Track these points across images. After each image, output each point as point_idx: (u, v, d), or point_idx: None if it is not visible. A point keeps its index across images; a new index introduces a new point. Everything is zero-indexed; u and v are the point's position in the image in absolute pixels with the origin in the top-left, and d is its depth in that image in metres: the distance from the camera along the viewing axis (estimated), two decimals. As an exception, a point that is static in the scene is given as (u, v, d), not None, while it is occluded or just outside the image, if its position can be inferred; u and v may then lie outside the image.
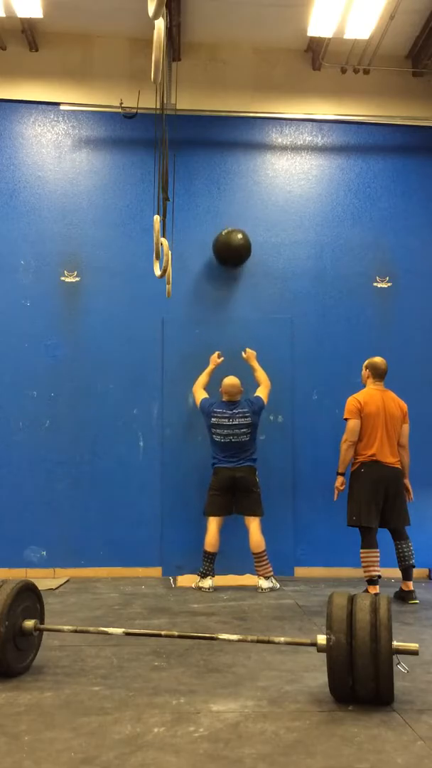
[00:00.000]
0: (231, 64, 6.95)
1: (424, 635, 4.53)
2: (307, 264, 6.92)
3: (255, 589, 5.89)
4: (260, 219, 6.94)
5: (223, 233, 6.60)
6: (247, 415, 6.04)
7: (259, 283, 6.85)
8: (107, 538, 6.51)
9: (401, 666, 3.29)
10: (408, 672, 3.38)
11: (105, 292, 6.74)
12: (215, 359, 6.38)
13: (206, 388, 6.31)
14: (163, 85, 6.01)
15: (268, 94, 6.98)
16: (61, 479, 6.54)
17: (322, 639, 3.26)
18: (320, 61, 6.77)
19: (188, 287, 6.71)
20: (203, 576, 5.92)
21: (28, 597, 3.70)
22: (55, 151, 6.88)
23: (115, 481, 6.57)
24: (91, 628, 3.94)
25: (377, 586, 5.44)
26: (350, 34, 6.24)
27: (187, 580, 6.15)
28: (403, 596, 5.55)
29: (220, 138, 6.98)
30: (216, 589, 5.88)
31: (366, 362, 5.89)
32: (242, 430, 6.00)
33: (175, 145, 6.01)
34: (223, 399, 6.15)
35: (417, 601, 5.49)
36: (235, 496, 6.02)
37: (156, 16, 3.06)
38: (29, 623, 3.61)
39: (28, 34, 6.56)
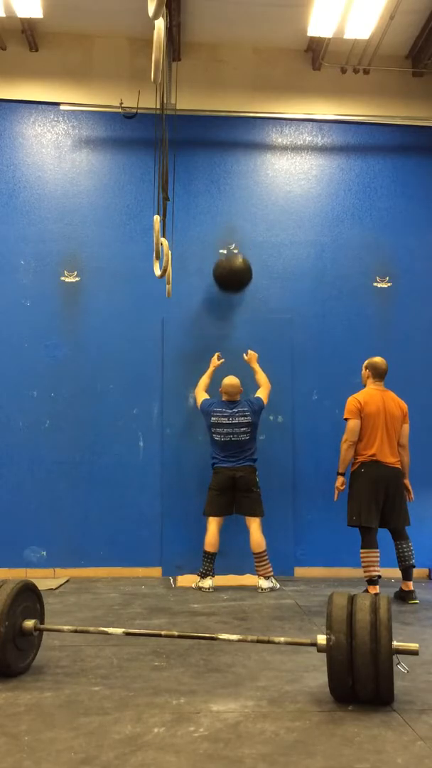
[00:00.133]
0: (231, 64, 6.95)
1: (424, 635, 4.53)
2: (307, 264, 6.92)
3: (255, 589, 5.89)
4: (260, 219, 6.95)
5: (223, 259, 6.55)
6: (247, 414, 6.04)
7: (259, 283, 6.85)
8: (107, 538, 6.51)
9: (401, 666, 3.28)
10: (408, 672, 3.37)
11: (105, 292, 6.74)
12: (215, 361, 6.38)
13: (207, 389, 6.31)
14: (163, 85, 6.02)
15: (268, 94, 6.98)
16: (61, 479, 6.54)
17: (322, 639, 3.26)
18: (320, 61, 6.77)
19: (188, 287, 6.71)
20: (203, 576, 5.92)
21: (28, 597, 3.70)
22: (55, 151, 6.88)
23: (115, 481, 6.57)
24: (91, 628, 3.93)
25: (377, 586, 5.44)
26: (350, 34, 6.24)
27: (187, 580, 6.15)
28: (403, 596, 5.55)
29: (220, 138, 6.98)
30: (216, 589, 5.88)
31: (366, 362, 5.89)
32: (242, 429, 6.00)
33: (175, 145, 6.01)
34: (223, 399, 6.15)
35: (417, 601, 5.49)
36: (235, 496, 6.02)
37: (156, 16, 3.07)
38: (29, 623, 3.61)
39: (28, 34, 6.56)
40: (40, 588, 3.84)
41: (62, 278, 6.74)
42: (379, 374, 5.81)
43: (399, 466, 5.67)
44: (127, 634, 3.82)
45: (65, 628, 3.86)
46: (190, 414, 6.60)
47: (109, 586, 6.05)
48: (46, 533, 6.47)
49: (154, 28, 3.41)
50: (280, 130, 7.06)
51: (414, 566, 5.63)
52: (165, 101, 5.97)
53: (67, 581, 6.20)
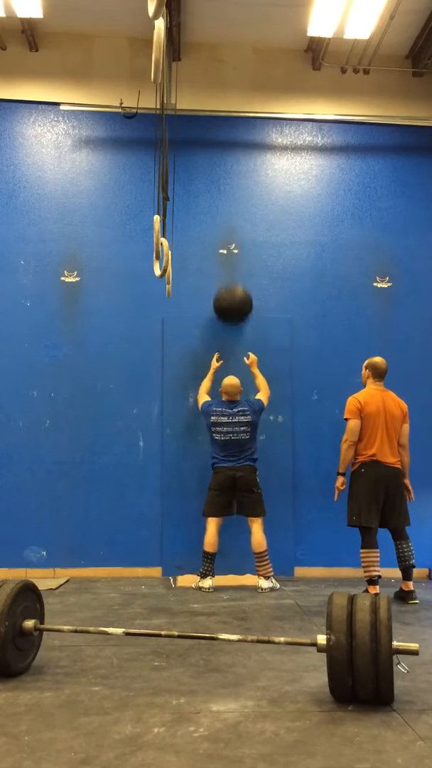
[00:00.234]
0: (231, 64, 6.95)
1: (424, 635, 4.52)
2: (307, 264, 6.92)
3: (255, 589, 5.89)
4: (260, 219, 6.95)
5: (224, 291, 6.50)
6: (247, 413, 6.04)
7: (259, 283, 6.85)
8: (107, 538, 6.51)
9: (401, 666, 3.28)
10: (408, 672, 3.37)
11: (105, 292, 6.74)
12: (214, 363, 6.38)
13: (209, 393, 6.31)
14: (163, 85, 6.02)
15: (268, 94, 6.98)
16: (61, 479, 6.54)
17: (322, 639, 3.26)
18: (320, 61, 6.77)
19: (188, 287, 6.71)
20: (203, 576, 5.92)
21: (28, 597, 3.70)
22: (55, 151, 6.88)
23: (115, 481, 6.57)
24: (91, 628, 3.93)
25: (377, 586, 5.44)
26: (350, 34, 6.24)
27: (187, 580, 6.14)
28: (403, 596, 5.55)
29: (220, 138, 6.98)
30: (216, 589, 5.88)
31: (366, 362, 5.89)
32: (242, 428, 6.00)
33: (175, 145, 6.01)
34: (223, 399, 6.15)
35: (417, 601, 5.49)
36: (235, 496, 6.02)
37: (156, 16, 3.06)
38: (29, 623, 3.61)
39: (28, 34, 6.57)
40: (40, 588, 3.84)
41: (62, 278, 6.74)
42: (379, 374, 5.81)
43: (399, 466, 5.67)
44: (127, 634, 3.82)
45: (65, 628, 3.86)
46: (190, 414, 6.60)
47: (109, 586, 6.04)
48: (46, 533, 6.47)
49: (154, 28, 3.41)
50: (280, 130, 7.06)
51: (414, 566, 5.63)
52: (165, 101, 5.97)
53: (67, 581, 6.20)
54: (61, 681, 3.55)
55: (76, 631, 3.84)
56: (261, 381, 6.28)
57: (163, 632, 3.88)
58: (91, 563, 6.48)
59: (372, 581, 5.47)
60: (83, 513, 6.53)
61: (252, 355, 6.38)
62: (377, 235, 6.98)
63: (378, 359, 5.86)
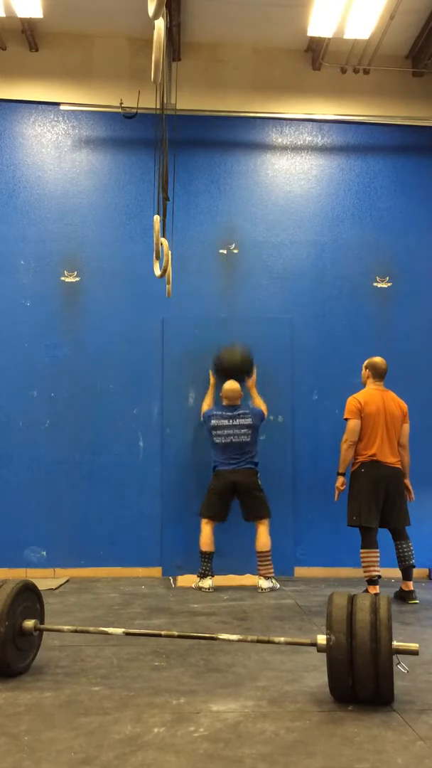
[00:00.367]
0: (231, 64, 6.95)
1: (424, 635, 4.53)
2: (307, 264, 6.92)
3: (255, 589, 5.89)
4: (260, 219, 6.95)
5: (225, 352, 6.37)
6: (247, 416, 6.05)
7: (259, 283, 6.86)
8: (107, 538, 6.51)
9: (401, 666, 3.28)
10: (408, 672, 3.37)
11: (105, 292, 6.74)
12: (212, 378, 6.38)
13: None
14: (163, 85, 6.01)
15: (268, 94, 6.98)
16: (61, 479, 6.54)
17: (322, 639, 3.26)
18: (320, 61, 6.77)
19: (188, 287, 6.71)
20: (202, 576, 5.92)
21: (28, 597, 3.70)
22: (55, 151, 6.88)
23: (115, 481, 6.57)
24: (91, 628, 3.93)
25: (377, 586, 5.44)
26: (350, 34, 6.24)
27: (187, 580, 6.14)
28: (403, 596, 5.55)
29: (220, 138, 6.98)
30: (216, 589, 5.88)
31: (366, 362, 5.89)
32: (243, 431, 6.00)
33: (175, 145, 6.00)
34: (224, 403, 6.16)
35: (417, 601, 5.49)
36: (237, 499, 6.02)
37: (156, 16, 3.06)
38: (29, 623, 3.61)
39: (28, 34, 6.56)
40: (40, 588, 3.84)
41: (62, 278, 6.74)
42: (379, 374, 5.81)
43: (399, 466, 5.67)
44: (127, 634, 3.82)
45: (65, 628, 3.86)
46: (190, 414, 6.60)
47: (109, 586, 6.05)
48: (46, 533, 6.47)
49: (154, 28, 3.41)
50: (280, 130, 7.06)
51: (414, 566, 5.63)
52: (165, 101, 5.97)
53: (67, 581, 6.20)
54: (61, 681, 3.55)
55: (76, 631, 3.84)
56: (259, 402, 6.26)
57: (163, 632, 3.88)
58: (91, 563, 6.48)
59: (372, 581, 5.47)
60: (83, 513, 6.53)
61: (253, 377, 6.32)
62: (377, 235, 6.98)
63: (378, 359, 5.86)
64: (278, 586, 5.95)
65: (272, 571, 5.96)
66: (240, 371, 6.30)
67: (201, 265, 6.81)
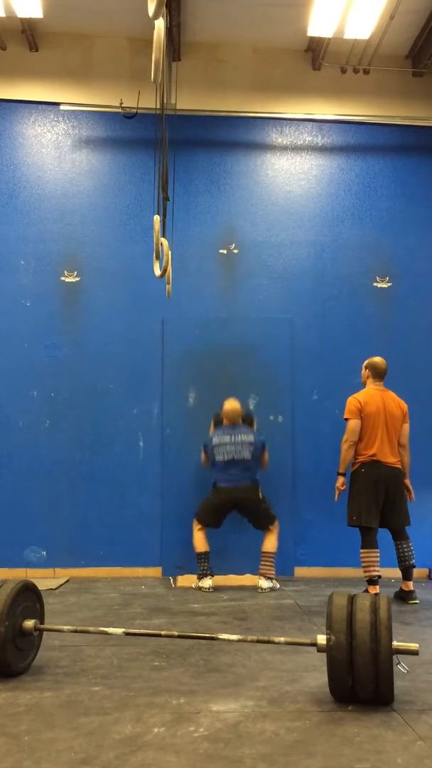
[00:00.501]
0: (231, 64, 6.95)
1: (424, 635, 4.52)
2: (307, 264, 6.92)
3: (255, 589, 5.89)
4: (260, 219, 6.95)
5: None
6: (249, 434, 6.06)
7: (259, 283, 6.86)
8: (107, 538, 6.51)
9: (401, 666, 3.28)
10: (408, 672, 3.37)
11: (105, 292, 6.75)
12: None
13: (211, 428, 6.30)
14: (163, 85, 6.01)
15: (268, 94, 6.98)
16: (61, 479, 6.54)
17: (322, 639, 3.26)
18: (320, 61, 6.77)
19: (188, 287, 6.71)
20: (202, 576, 5.92)
21: (28, 597, 3.70)
22: (55, 151, 6.88)
23: (115, 481, 6.57)
24: (91, 628, 3.93)
25: (377, 586, 5.44)
26: (350, 34, 6.24)
27: (187, 580, 6.15)
28: (403, 596, 5.54)
29: (220, 138, 6.98)
30: (216, 589, 5.88)
31: (366, 362, 5.89)
32: (245, 447, 5.99)
33: (175, 145, 6.01)
34: (225, 423, 6.15)
35: (417, 601, 5.49)
36: (240, 514, 6.02)
37: (156, 16, 3.06)
38: (29, 623, 3.61)
39: (28, 34, 6.56)
40: (40, 588, 3.84)
41: (62, 278, 6.74)
42: (379, 374, 5.81)
43: (399, 466, 5.67)
44: (127, 634, 3.82)
45: (65, 628, 3.86)
46: (190, 414, 6.61)
47: (109, 586, 6.04)
48: (46, 533, 6.47)
49: (154, 28, 3.41)
50: (280, 130, 7.06)
51: (414, 566, 5.63)
52: (165, 101, 5.97)
53: (67, 581, 6.20)
54: (61, 681, 3.55)
55: (76, 631, 3.84)
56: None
57: (163, 632, 3.88)
58: (91, 563, 6.48)
59: (372, 581, 5.47)
60: (83, 513, 6.53)
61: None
62: (377, 235, 6.98)
63: (378, 359, 5.85)
64: (278, 586, 5.95)
65: (273, 572, 5.96)
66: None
67: (201, 265, 6.81)
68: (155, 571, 6.49)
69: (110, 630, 3.81)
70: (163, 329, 6.71)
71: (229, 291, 6.86)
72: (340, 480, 5.73)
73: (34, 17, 6.28)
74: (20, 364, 6.61)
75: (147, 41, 5.26)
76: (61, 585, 6.03)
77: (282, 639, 3.60)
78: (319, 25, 6.11)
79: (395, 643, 3.16)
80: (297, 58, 7.01)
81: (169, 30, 6.14)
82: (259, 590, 5.84)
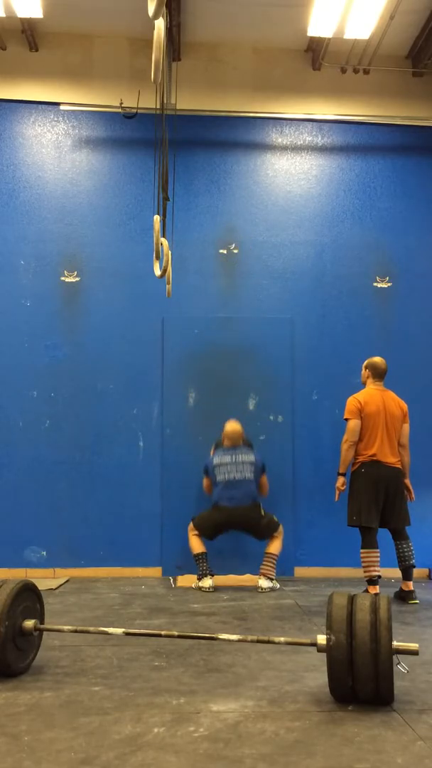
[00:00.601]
0: (231, 64, 6.95)
1: (424, 635, 4.52)
2: (307, 264, 6.92)
3: (255, 589, 5.89)
4: (260, 219, 6.95)
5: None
6: (250, 454, 6.05)
7: (259, 283, 6.86)
8: (107, 538, 6.51)
9: (401, 666, 3.28)
10: (408, 672, 3.37)
11: (105, 292, 6.75)
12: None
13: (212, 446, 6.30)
14: (163, 85, 6.01)
15: (268, 94, 6.98)
16: (61, 479, 6.54)
17: (322, 639, 3.26)
18: (320, 61, 6.77)
19: (188, 287, 6.71)
20: (202, 576, 5.92)
21: (28, 597, 3.70)
22: (55, 151, 6.88)
23: (115, 481, 6.57)
24: (91, 628, 3.93)
25: (377, 586, 5.44)
26: (350, 34, 6.24)
27: (187, 580, 6.15)
28: (403, 596, 5.55)
29: (220, 138, 6.98)
30: (216, 589, 5.88)
31: (366, 362, 5.89)
32: (245, 467, 5.98)
33: (175, 145, 6.01)
34: (225, 444, 6.14)
35: (417, 601, 5.49)
36: (240, 531, 6.00)
37: (156, 16, 3.06)
38: (29, 623, 3.61)
39: (28, 34, 6.56)
40: (40, 588, 3.84)
41: (62, 278, 6.74)
42: (379, 374, 5.81)
43: (399, 466, 5.67)
44: (127, 634, 3.81)
45: (65, 628, 3.86)
46: (190, 414, 6.61)
47: (109, 586, 6.05)
48: (46, 533, 6.47)
49: (154, 28, 3.41)
50: (280, 130, 7.06)
51: (414, 566, 5.63)
52: (165, 101, 5.97)
53: (67, 581, 6.20)
54: (61, 681, 3.55)
55: (76, 631, 3.84)
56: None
57: (163, 632, 3.88)
58: (91, 563, 6.48)
59: (372, 581, 5.47)
60: (83, 513, 6.53)
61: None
62: (377, 235, 6.98)
63: (378, 359, 5.85)
64: (278, 586, 5.95)
65: (274, 573, 5.96)
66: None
67: (201, 265, 6.82)
68: (155, 571, 6.49)
69: (110, 630, 3.81)
70: (163, 329, 6.71)
71: (229, 291, 6.86)
72: (340, 480, 5.73)
73: (34, 17, 6.28)
74: (20, 364, 6.61)
75: (147, 41, 5.26)
76: (61, 585, 6.03)
77: (282, 639, 3.60)
78: (319, 25, 6.11)
79: (395, 643, 3.16)
80: (297, 58, 7.01)
81: (169, 30, 6.14)
82: (259, 590, 5.84)
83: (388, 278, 6.94)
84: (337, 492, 5.74)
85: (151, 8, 3.03)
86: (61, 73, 6.81)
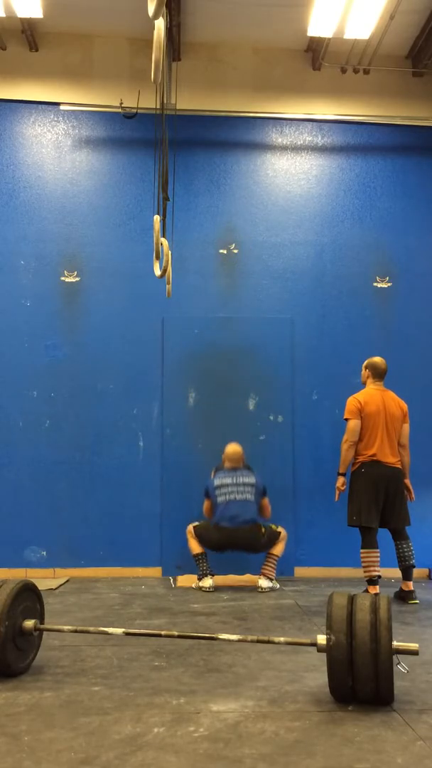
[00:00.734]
0: (231, 64, 6.95)
1: (424, 635, 4.52)
2: (307, 264, 6.92)
3: (255, 589, 5.89)
4: (260, 219, 6.95)
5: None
6: (250, 475, 6.04)
7: (259, 283, 6.86)
8: (107, 538, 6.51)
9: (401, 666, 3.28)
10: (408, 672, 3.37)
11: (105, 292, 6.75)
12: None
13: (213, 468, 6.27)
14: (163, 85, 6.01)
15: (268, 94, 6.98)
16: (61, 479, 6.54)
17: (322, 639, 3.26)
18: (320, 61, 6.77)
19: (188, 287, 6.71)
20: (202, 576, 5.92)
21: (28, 597, 3.70)
22: (55, 151, 6.88)
23: (115, 481, 6.57)
24: (91, 628, 3.93)
25: (377, 586, 5.44)
26: (350, 34, 6.24)
27: (187, 580, 6.15)
28: (403, 596, 5.54)
29: (220, 138, 6.98)
30: (216, 589, 5.88)
31: (366, 362, 5.89)
32: (246, 488, 5.96)
33: (175, 145, 6.01)
34: (226, 466, 6.12)
35: (417, 601, 5.49)
36: (242, 551, 5.99)
37: (156, 16, 3.06)
38: (29, 623, 3.60)
39: (28, 34, 6.56)
40: (40, 588, 3.84)
41: (62, 278, 6.74)
42: (378, 374, 5.81)
43: (399, 466, 5.67)
44: (127, 634, 3.81)
45: (65, 628, 3.86)
46: (190, 414, 6.61)
47: (109, 586, 6.05)
48: (46, 533, 6.47)
49: (154, 28, 3.41)
50: (280, 130, 7.06)
51: (414, 566, 5.63)
52: (165, 101, 5.97)
53: (67, 581, 6.20)
54: (61, 681, 3.55)
55: (76, 631, 3.84)
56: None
57: (163, 632, 3.88)
58: (91, 563, 6.48)
59: (372, 581, 5.47)
60: (83, 513, 6.53)
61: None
62: (377, 235, 6.98)
63: (378, 359, 5.85)
64: (278, 586, 5.95)
65: (274, 573, 5.96)
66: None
67: (201, 265, 6.82)
68: (155, 571, 6.49)
69: (110, 630, 3.81)
70: (163, 329, 6.71)
71: (229, 291, 6.86)
72: (340, 480, 5.72)
73: (34, 17, 6.28)
74: (20, 364, 6.61)
75: (147, 41, 5.26)
76: (61, 585, 6.03)
77: (282, 639, 3.60)
78: (319, 25, 6.11)
79: (395, 643, 3.16)
80: (297, 58, 7.01)
81: (169, 30, 6.14)
82: (259, 590, 5.84)
83: (388, 278, 6.94)
84: (337, 492, 5.74)
85: (151, 8, 3.03)
86: (61, 73, 6.81)
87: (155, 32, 3.40)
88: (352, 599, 3.31)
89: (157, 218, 5.06)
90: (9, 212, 6.77)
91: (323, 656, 3.26)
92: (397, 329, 6.86)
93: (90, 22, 6.65)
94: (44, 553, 6.46)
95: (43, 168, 6.86)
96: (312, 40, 6.69)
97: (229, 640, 3.73)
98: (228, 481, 5.99)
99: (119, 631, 3.78)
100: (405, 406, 5.80)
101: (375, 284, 6.94)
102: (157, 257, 5.11)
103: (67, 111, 6.83)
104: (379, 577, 5.49)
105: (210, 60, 6.94)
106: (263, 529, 5.92)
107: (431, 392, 6.77)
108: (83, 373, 6.65)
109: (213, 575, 5.95)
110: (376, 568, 5.47)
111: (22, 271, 6.72)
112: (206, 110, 6.85)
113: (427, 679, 3.61)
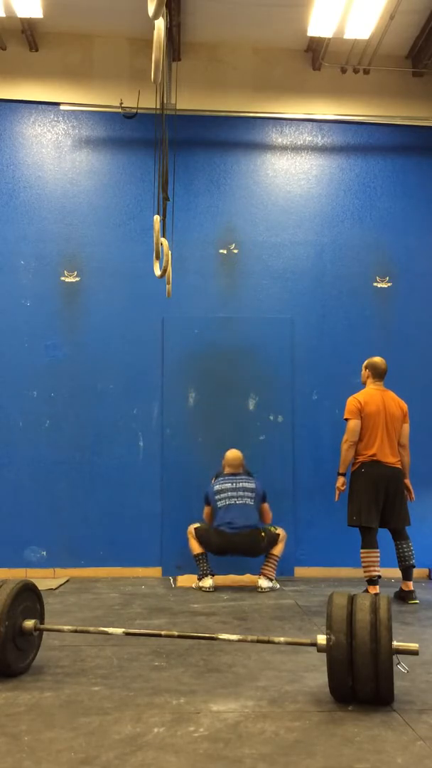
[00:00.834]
0: (231, 64, 6.95)
1: (424, 635, 4.52)
2: (307, 264, 6.92)
3: (255, 589, 5.89)
4: (260, 219, 6.95)
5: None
6: (250, 480, 6.04)
7: (259, 283, 6.86)
8: (107, 538, 6.51)
9: (401, 666, 3.28)
10: (408, 672, 3.37)
11: (105, 292, 6.75)
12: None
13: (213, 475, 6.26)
14: (163, 85, 6.01)
15: (268, 94, 6.98)
16: (61, 479, 6.54)
17: (322, 639, 3.26)
18: (320, 61, 6.77)
19: (188, 287, 6.71)
20: (202, 576, 5.92)
21: (28, 597, 3.70)
22: (55, 151, 6.88)
23: (115, 481, 6.57)
24: (91, 628, 3.93)
25: (377, 586, 5.44)
26: (350, 34, 6.24)
27: (187, 580, 6.15)
28: (403, 596, 5.54)
29: (220, 138, 6.98)
30: (216, 589, 5.88)
31: (366, 362, 5.89)
32: (246, 493, 5.96)
33: (175, 145, 6.01)
34: (226, 471, 6.12)
35: (417, 601, 5.49)
36: (242, 555, 5.98)
37: (156, 16, 3.06)
38: (29, 623, 3.60)
39: (28, 34, 6.57)
40: (40, 588, 3.84)
41: (62, 278, 6.74)
42: (378, 374, 5.81)
43: (399, 466, 5.67)
44: (127, 634, 3.81)
45: (65, 628, 3.86)
46: (190, 414, 6.61)
47: (109, 586, 6.05)
48: (46, 533, 6.47)
49: (154, 28, 3.41)
50: (280, 130, 7.06)
51: (414, 566, 5.63)
52: (165, 101, 5.97)
53: (67, 581, 6.20)
54: (61, 681, 3.55)
55: (76, 631, 3.84)
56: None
57: (163, 632, 3.88)
58: (91, 563, 6.48)
59: (372, 581, 5.47)
60: (83, 513, 6.53)
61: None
62: (377, 235, 6.98)
63: (378, 359, 5.85)
64: (278, 586, 5.95)
65: (274, 573, 5.96)
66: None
67: (201, 265, 6.82)
68: (155, 571, 6.49)
69: (110, 630, 3.81)
70: (163, 329, 6.71)
71: (229, 291, 6.86)
72: (340, 480, 5.72)
73: (34, 17, 6.28)
74: (20, 364, 6.62)
75: (147, 41, 5.26)
76: (61, 585, 6.03)
77: (282, 639, 3.60)
78: (319, 25, 6.11)
79: (395, 643, 3.16)
80: (297, 58, 7.01)
81: (169, 30, 6.14)
82: (259, 590, 5.84)
83: (388, 278, 6.94)
84: (337, 492, 5.73)
85: (151, 8, 3.03)
86: (61, 73, 6.81)
87: (155, 32, 3.40)
88: (352, 599, 3.31)
89: (157, 218, 5.06)
90: (9, 212, 6.77)
91: (323, 656, 3.26)
92: (397, 329, 6.86)
93: (90, 22, 6.65)
94: (44, 553, 6.46)
95: (43, 168, 6.86)
96: (312, 40, 6.69)
97: (229, 640, 3.73)
98: (228, 486, 5.99)
99: (119, 631, 3.78)
100: (405, 406, 5.80)
101: (375, 284, 6.94)
102: (157, 257, 5.11)
103: (67, 111, 6.83)
104: (379, 577, 5.49)
105: (210, 60, 6.94)
106: (263, 534, 5.92)
107: (431, 392, 6.77)
108: (83, 373, 6.65)
109: (213, 575, 5.95)
110: (376, 568, 5.47)
111: (22, 271, 6.72)
112: (206, 110, 6.85)
113: (427, 679, 3.61)
